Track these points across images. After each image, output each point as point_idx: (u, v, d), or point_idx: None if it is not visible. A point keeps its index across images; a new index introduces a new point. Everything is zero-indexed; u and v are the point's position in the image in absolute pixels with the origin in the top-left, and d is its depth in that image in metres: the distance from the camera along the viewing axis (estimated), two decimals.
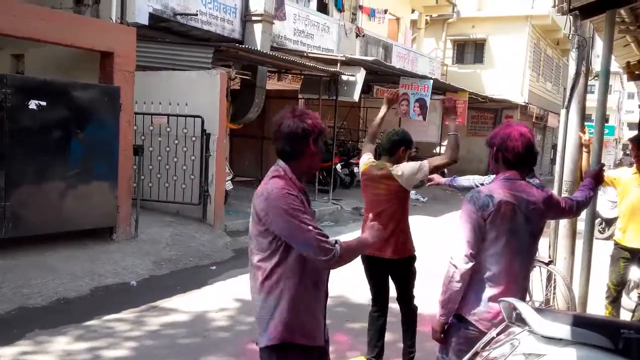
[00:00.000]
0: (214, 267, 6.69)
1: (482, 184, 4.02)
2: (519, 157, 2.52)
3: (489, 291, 2.47)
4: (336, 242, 2.15)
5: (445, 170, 16.46)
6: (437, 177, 4.20)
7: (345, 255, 2.17)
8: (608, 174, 4.56)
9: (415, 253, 3.80)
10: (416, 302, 3.88)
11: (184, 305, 5.15)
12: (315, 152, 2.28)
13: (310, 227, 2.11)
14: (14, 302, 4.89)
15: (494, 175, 3.81)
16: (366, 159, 3.84)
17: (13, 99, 5.74)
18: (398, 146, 3.71)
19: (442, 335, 2.57)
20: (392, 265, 3.71)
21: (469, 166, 13.57)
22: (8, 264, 5.67)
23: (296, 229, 2.11)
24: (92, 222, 6.68)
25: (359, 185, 14.70)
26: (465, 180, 4.25)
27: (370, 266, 3.78)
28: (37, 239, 6.16)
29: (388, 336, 3.87)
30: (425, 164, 3.60)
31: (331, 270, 2.31)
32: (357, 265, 7.01)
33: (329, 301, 2.43)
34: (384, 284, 3.81)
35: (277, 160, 2.30)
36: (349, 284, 5.35)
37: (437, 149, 17.62)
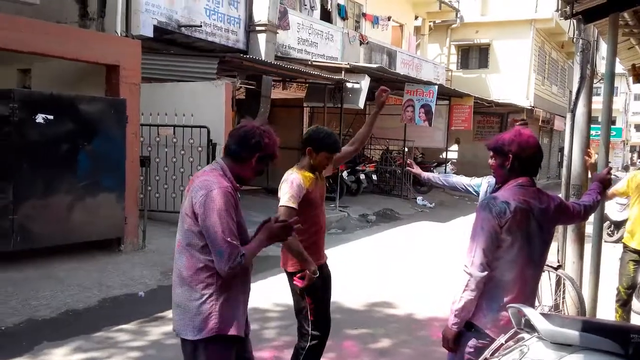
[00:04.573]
0: None
1: (468, 185, 3.93)
2: (536, 163, 2.55)
3: (501, 298, 2.43)
4: (242, 255, 2.25)
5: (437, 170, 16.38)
6: (415, 169, 4.06)
7: (247, 262, 2.30)
8: (616, 188, 4.55)
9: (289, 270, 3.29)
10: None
11: None
12: (253, 167, 2.40)
13: (229, 239, 2.21)
14: (23, 315, 4.91)
15: (485, 179, 3.79)
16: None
17: (20, 114, 5.80)
18: (304, 145, 3.26)
19: (453, 344, 2.53)
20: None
21: (474, 171, 13.46)
22: (16, 277, 5.70)
23: (219, 232, 2.21)
24: (99, 233, 6.71)
25: (365, 192, 14.60)
26: (453, 178, 4.10)
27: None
28: (45, 251, 6.20)
29: None
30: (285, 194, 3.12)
31: None
32: (347, 267, 6.93)
33: None
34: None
35: (216, 158, 2.36)
36: (338, 286, 5.17)
37: (444, 154, 17.58)
